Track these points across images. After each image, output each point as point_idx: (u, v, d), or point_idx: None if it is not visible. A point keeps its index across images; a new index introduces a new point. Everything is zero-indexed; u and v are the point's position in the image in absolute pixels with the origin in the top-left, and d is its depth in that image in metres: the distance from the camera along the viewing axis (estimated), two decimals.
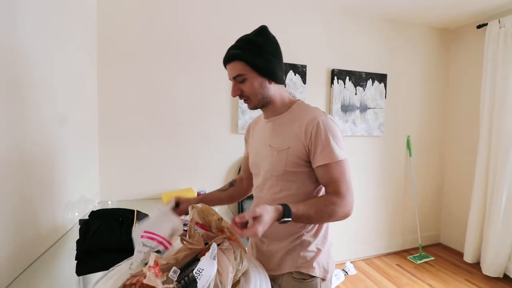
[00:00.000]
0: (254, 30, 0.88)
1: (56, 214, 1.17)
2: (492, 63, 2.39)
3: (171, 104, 1.98)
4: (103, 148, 1.81)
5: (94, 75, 1.73)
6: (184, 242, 0.72)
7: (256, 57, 0.84)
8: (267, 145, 0.91)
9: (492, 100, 2.39)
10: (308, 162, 0.85)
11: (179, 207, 0.95)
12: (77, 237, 0.94)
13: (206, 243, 0.73)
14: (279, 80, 0.90)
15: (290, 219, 0.72)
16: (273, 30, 0.90)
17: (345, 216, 0.80)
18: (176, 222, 0.83)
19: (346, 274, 2.25)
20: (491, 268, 2.29)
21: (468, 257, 2.51)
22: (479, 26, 2.52)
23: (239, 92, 0.88)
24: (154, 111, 1.94)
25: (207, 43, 2.03)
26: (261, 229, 0.64)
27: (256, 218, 0.66)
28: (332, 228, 0.92)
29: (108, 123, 1.82)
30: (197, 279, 0.61)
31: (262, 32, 0.87)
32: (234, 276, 0.71)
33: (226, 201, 1.12)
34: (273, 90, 0.89)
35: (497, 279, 2.26)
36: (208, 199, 1.04)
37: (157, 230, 0.77)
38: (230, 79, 0.89)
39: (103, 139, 1.80)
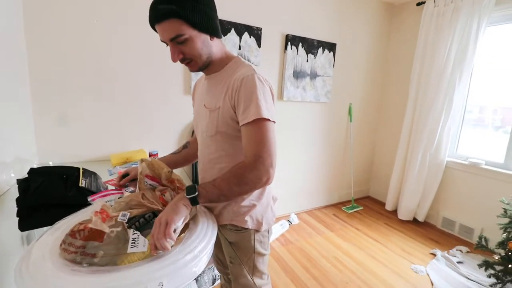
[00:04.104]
0: None
1: None
2: (424, 41, 2.60)
3: (120, 60, 1.81)
4: (37, 104, 1.62)
5: (20, 20, 1.48)
6: (144, 198, 0.76)
7: (194, 11, 0.71)
8: (203, 105, 0.87)
9: (420, 76, 2.66)
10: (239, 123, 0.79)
11: (130, 174, 0.93)
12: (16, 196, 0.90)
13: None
14: (219, 34, 0.81)
15: (195, 194, 0.72)
16: None
17: (261, 180, 0.75)
18: None
19: (290, 223, 2.56)
20: (404, 213, 2.81)
21: (389, 206, 3.03)
22: (418, 4, 2.68)
23: (181, 55, 0.77)
24: (100, 68, 1.76)
25: None
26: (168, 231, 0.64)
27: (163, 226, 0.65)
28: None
29: (41, 79, 1.62)
30: (149, 222, 0.68)
31: None
32: (183, 220, 0.79)
33: (182, 163, 1.09)
34: (215, 46, 0.81)
35: (408, 221, 2.80)
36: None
37: None
38: (164, 41, 0.75)
39: (37, 96, 1.61)
